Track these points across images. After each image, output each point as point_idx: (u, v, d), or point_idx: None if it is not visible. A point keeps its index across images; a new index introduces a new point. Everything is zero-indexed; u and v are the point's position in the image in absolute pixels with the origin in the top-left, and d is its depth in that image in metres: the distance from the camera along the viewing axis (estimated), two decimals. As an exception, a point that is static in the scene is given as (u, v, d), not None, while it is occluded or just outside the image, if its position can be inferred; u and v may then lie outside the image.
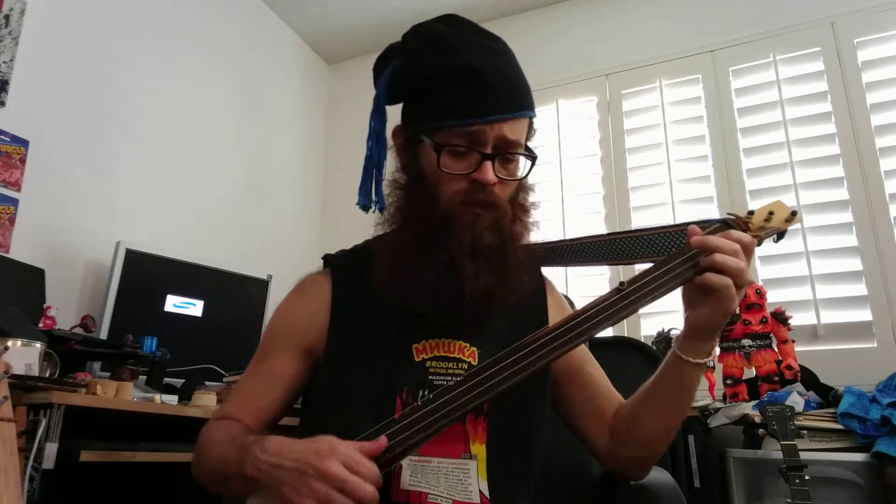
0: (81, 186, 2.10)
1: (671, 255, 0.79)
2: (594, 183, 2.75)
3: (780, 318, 1.96)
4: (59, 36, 2.08)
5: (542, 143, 2.89)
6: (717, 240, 0.78)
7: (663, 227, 0.89)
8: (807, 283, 2.26)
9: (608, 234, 0.94)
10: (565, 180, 2.79)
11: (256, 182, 2.92)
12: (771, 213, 0.85)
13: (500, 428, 0.86)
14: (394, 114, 0.96)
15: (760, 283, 2.12)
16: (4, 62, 1.89)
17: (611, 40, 2.90)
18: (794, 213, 0.85)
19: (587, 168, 2.78)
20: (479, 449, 0.84)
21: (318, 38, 3.36)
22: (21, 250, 1.85)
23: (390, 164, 0.96)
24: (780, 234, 0.87)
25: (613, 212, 2.66)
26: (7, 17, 1.91)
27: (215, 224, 2.64)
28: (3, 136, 1.86)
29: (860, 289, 2.21)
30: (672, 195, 2.55)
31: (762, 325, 1.97)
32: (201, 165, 2.62)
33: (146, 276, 2.06)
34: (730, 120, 2.55)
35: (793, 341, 1.94)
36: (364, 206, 0.96)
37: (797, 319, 2.02)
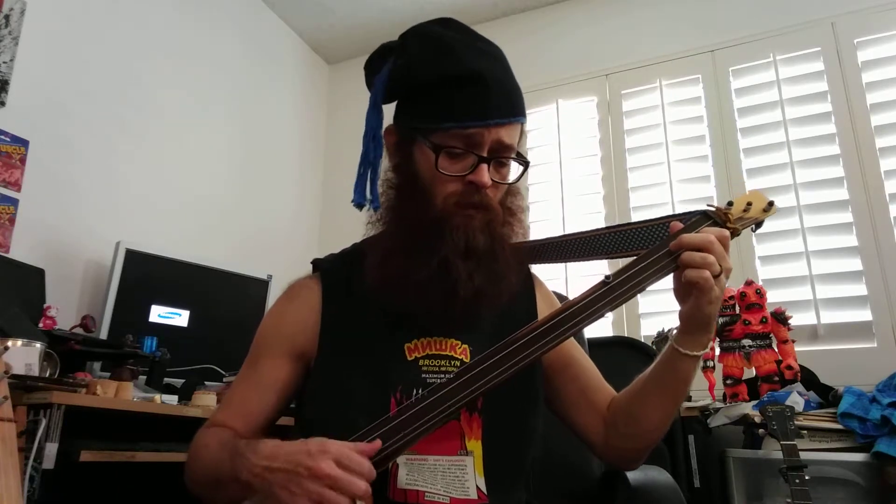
0: (81, 186, 2.10)
1: (653, 249, 0.81)
2: (594, 183, 2.75)
3: (780, 318, 1.96)
4: (59, 36, 2.08)
5: (542, 143, 2.89)
6: (687, 237, 0.79)
7: (647, 222, 0.90)
8: (807, 283, 2.26)
9: (594, 230, 0.95)
10: (565, 180, 2.78)
11: (257, 182, 2.92)
12: (749, 204, 0.87)
13: (495, 423, 0.86)
14: (388, 112, 0.96)
15: (760, 283, 2.12)
16: (4, 62, 1.89)
17: (611, 40, 2.90)
18: (771, 204, 0.88)
19: (587, 168, 2.78)
20: (474, 445, 0.85)
21: (318, 38, 3.36)
22: (21, 250, 1.85)
23: (383, 162, 0.96)
24: (758, 224, 0.89)
25: (613, 212, 2.66)
26: (7, 17, 1.91)
27: (215, 224, 2.64)
28: (3, 136, 1.87)
29: (860, 289, 2.21)
30: (672, 195, 2.55)
31: (762, 325, 1.97)
32: (201, 165, 2.62)
33: (146, 276, 2.06)
34: (730, 120, 2.55)
35: (793, 341, 1.94)
36: (359, 203, 0.97)
37: (797, 319, 2.02)
